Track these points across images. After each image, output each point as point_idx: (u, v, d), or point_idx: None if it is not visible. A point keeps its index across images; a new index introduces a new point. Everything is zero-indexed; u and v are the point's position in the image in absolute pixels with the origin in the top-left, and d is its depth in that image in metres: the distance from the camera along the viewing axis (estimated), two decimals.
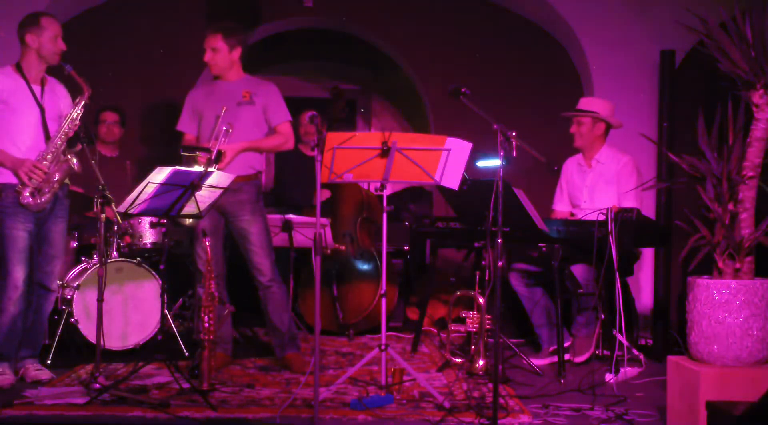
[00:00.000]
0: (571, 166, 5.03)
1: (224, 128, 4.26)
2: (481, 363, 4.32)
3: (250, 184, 4.44)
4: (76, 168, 4.05)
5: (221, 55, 4.39)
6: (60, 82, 4.24)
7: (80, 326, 4.54)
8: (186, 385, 3.82)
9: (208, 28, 4.47)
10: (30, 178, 3.95)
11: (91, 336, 4.31)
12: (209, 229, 4.32)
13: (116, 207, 3.91)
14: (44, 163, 4.00)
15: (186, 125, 4.52)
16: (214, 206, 4.12)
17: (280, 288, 4.49)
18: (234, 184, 4.08)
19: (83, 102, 4.08)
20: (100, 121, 5.44)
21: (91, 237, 4.91)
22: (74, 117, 4.06)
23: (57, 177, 4.03)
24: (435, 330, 5.67)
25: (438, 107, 6.42)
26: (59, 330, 4.51)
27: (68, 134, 4.06)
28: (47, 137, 4.05)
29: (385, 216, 3.89)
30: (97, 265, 4.10)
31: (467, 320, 4.45)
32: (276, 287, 4.46)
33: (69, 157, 4.04)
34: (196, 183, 3.86)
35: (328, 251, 5.49)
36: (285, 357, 4.47)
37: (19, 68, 4.06)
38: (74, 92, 4.15)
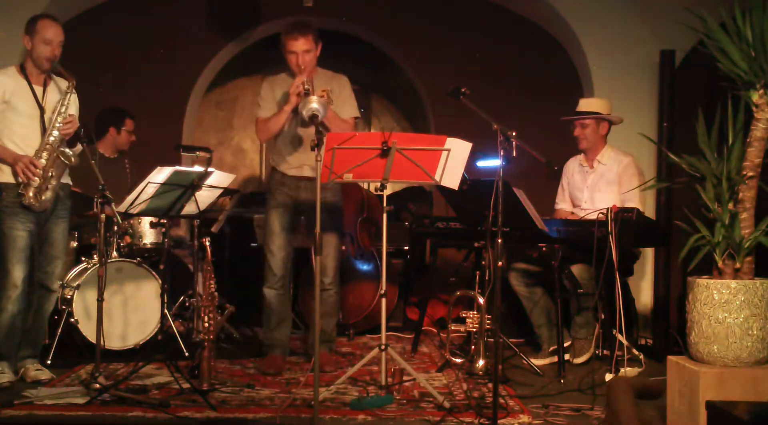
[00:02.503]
0: (572, 167, 5.03)
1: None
2: (481, 363, 4.32)
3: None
4: (72, 161, 4.01)
5: (312, 54, 4.38)
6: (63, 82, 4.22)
7: (80, 326, 4.54)
8: (186, 385, 3.82)
9: (292, 30, 4.35)
10: (27, 177, 3.92)
11: (91, 336, 4.31)
12: (287, 226, 4.41)
13: (116, 207, 3.90)
14: (41, 160, 3.98)
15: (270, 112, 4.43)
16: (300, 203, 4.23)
17: (337, 293, 4.56)
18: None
19: (69, 93, 4.05)
20: (123, 130, 5.28)
21: (91, 237, 4.90)
22: (62, 111, 4.01)
23: (53, 172, 4.01)
24: (435, 330, 5.67)
25: (438, 107, 6.42)
26: (59, 330, 4.51)
27: (61, 129, 4.00)
28: None
29: (385, 216, 3.89)
30: (97, 265, 4.10)
31: (467, 320, 4.44)
32: (333, 291, 4.50)
33: (63, 149, 3.99)
34: (195, 183, 3.86)
35: None
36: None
37: (22, 69, 4.06)
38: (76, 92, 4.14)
